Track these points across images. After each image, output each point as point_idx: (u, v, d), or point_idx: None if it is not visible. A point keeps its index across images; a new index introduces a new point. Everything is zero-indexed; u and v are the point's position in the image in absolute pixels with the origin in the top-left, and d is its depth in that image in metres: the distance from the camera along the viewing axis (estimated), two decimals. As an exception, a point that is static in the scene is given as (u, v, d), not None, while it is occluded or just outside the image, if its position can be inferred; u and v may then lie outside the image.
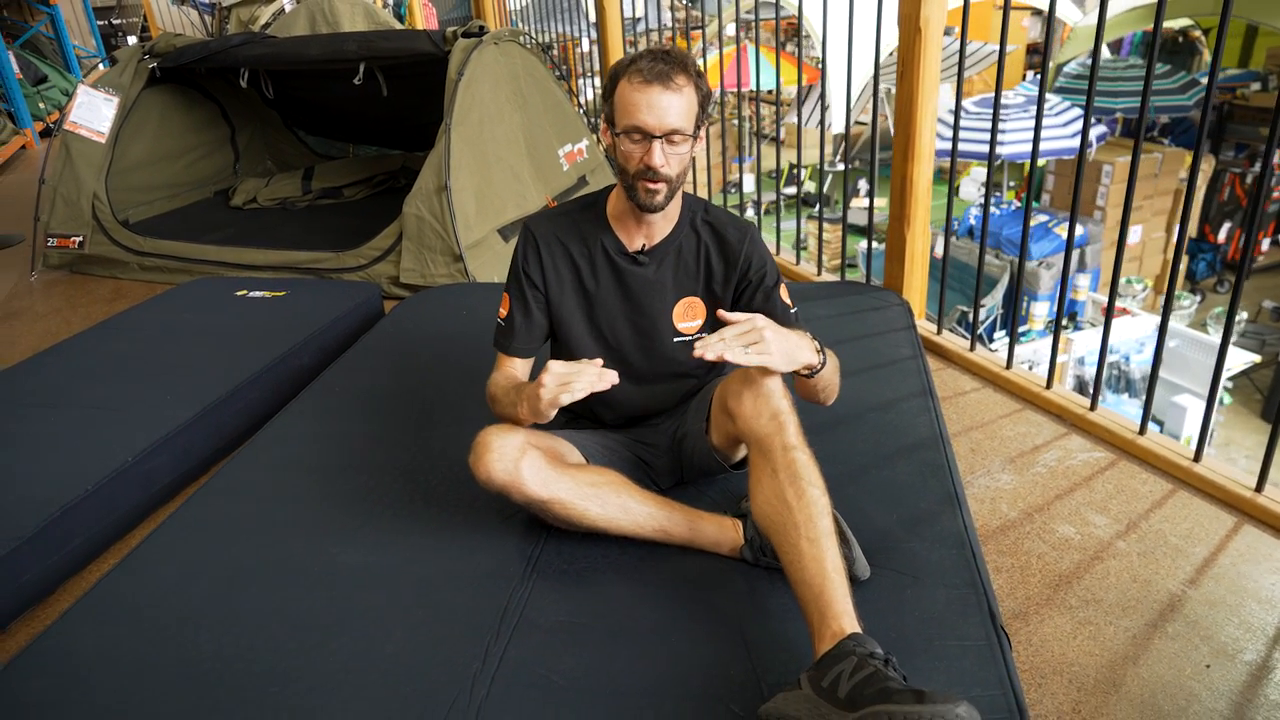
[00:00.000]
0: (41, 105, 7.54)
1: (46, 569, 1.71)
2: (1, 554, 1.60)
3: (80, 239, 3.63)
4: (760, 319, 1.32)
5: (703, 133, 1.50)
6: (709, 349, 1.27)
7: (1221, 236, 6.70)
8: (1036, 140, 2.13)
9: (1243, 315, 5.41)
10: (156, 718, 1.24)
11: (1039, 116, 2.07)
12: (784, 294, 1.60)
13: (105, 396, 2.19)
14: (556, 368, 1.36)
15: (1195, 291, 6.48)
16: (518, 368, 1.62)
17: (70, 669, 1.34)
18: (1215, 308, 6.16)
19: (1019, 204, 6.78)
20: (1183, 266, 6.70)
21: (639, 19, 5.37)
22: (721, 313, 1.35)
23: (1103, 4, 1.95)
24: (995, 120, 2.23)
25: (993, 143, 2.28)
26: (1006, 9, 2.19)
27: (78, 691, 1.30)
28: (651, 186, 1.45)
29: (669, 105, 1.39)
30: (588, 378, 1.34)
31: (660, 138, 1.40)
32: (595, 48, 4.77)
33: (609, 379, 1.35)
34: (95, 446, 1.94)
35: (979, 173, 7.81)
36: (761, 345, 1.30)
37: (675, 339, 1.62)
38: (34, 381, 2.32)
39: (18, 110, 6.98)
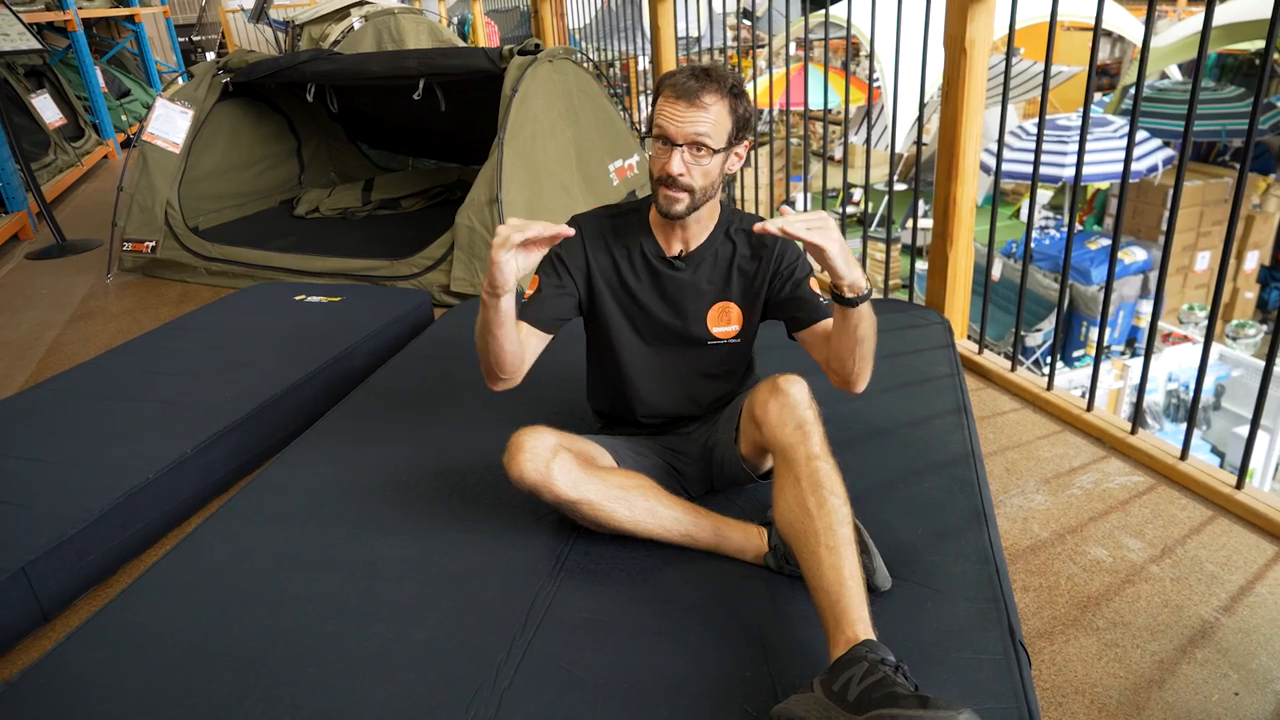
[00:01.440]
0: (124, 117, 7.93)
1: (109, 550, 1.82)
2: (70, 533, 1.71)
3: (153, 244, 3.82)
4: (829, 217, 1.33)
5: (739, 150, 1.54)
6: (771, 224, 1.30)
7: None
8: (1080, 161, 2.12)
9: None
10: (203, 690, 1.32)
11: (1083, 138, 2.07)
12: (814, 285, 1.63)
13: (170, 392, 2.32)
14: (513, 220, 1.38)
15: (1265, 321, 6.24)
16: (522, 330, 1.58)
17: (126, 644, 1.43)
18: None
19: (1081, 227, 6.64)
20: (1253, 295, 6.48)
21: (699, 37, 5.42)
22: (783, 208, 1.36)
23: (1148, 26, 1.94)
24: (1039, 143, 2.23)
25: (1036, 164, 2.28)
26: (1052, 28, 2.19)
27: (132, 664, 1.38)
28: (670, 194, 1.50)
29: (694, 117, 1.45)
30: (543, 223, 1.37)
31: (682, 145, 1.46)
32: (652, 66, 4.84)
33: (566, 232, 1.39)
34: (158, 438, 2.06)
35: (1042, 195, 7.68)
36: (825, 230, 1.31)
37: (709, 342, 1.67)
38: (106, 376, 2.47)
39: (102, 122, 7.36)
